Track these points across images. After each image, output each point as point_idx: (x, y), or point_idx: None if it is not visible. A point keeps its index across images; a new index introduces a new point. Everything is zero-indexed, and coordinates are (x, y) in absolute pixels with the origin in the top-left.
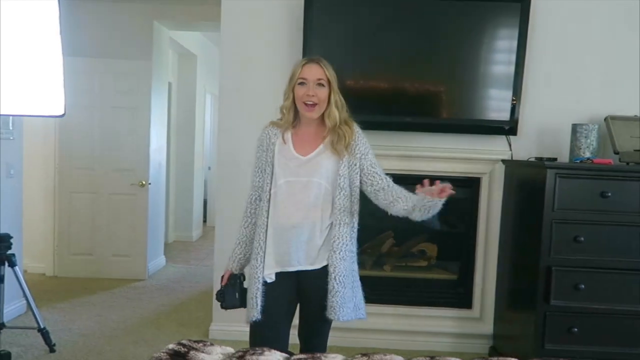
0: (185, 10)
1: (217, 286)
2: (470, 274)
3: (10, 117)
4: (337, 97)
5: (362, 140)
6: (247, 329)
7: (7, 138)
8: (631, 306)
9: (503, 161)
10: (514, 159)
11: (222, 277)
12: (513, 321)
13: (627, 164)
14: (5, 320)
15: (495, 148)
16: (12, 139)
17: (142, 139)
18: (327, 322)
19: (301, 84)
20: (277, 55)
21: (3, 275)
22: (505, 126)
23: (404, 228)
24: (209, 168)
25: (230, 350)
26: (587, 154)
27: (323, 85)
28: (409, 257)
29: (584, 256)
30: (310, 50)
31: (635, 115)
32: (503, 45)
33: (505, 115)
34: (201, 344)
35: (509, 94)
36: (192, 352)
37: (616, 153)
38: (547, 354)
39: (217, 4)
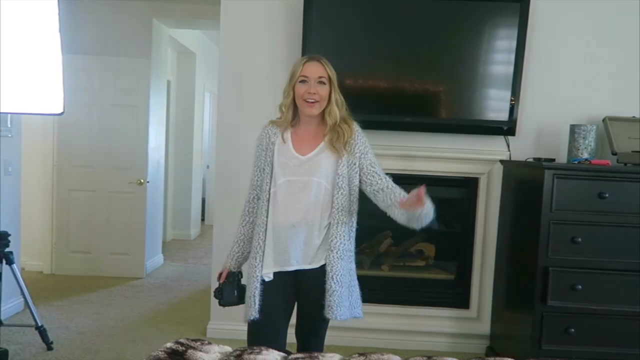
0: (185, 9)
1: (215, 284)
2: (468, 274)
3: (9, 115)
4: (337, 96)
5: (362, 140)
6: (245, 327)
7: (6, 135)
8: (628, 307)
9: (501, 161)
10: (512, 159)
11: (220, 274)
12: (510, 321)
13: (625, 165)
14: (2, 317)
15: (494, 148)
16: (10, 136)
17: (141, 137)
18: (324, 322)
19: (302, 81)
20: (277, 54)
21: (1, 273)
22: (504, 126)
23: (402, 228)
24: (208, 166)
25: (228, 349)
26: (585, 155)
27: (324, 83)
28: (407, 257)
29: (581, 257)
30: (310, 49)
31: (634, 117)
32: (502, 46)
33: (503, 116)
34: (199, 343)
35: (507, 94)
36: (190, 351)
37: (614, 154)
38: (544, 354)
39: (216, 2)
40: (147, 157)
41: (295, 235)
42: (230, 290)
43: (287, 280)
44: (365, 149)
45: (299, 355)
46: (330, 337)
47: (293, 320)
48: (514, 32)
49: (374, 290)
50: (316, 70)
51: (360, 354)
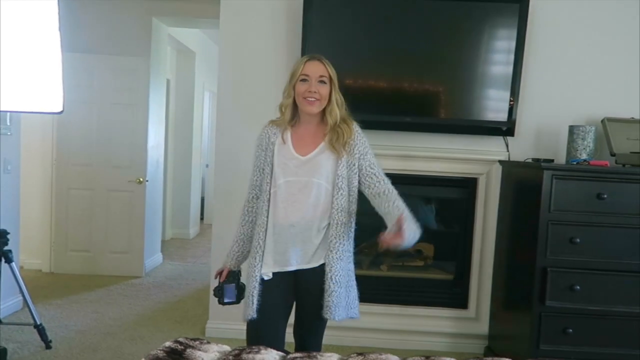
0: (184, 7)
1: (214, 283)
2: (467, 274)
3: (8, 113)
4: (338, 95)
5: (362, 140)
6: (244, 327)
7: (5, 134)
8: (626, 307)
9: (500, 162)
10: (511, 159)
11: (219, 273)
12: (508, 321)
13: (624, 165)
14: (1, 316)
15: (493, 149)
16: (9, 134)
17: (140, 135)
18: (322, 321)
19: (303, 80)
20: (276, 54)
21: None
22: (503, 127)
23: None
24: (207, 165)
25: (227, 348)
26: (584, 156)
27: (325, 82)
28: (405, 257)
29: (579, 257)
30: (310, 48)
31: (632, 118)
32: (501, 46)
33: (503, 116)
34: (198, 342)
35: (506, 95)
36: (188, 350)
37: (613, 155)
38: (542, 354)
39: (216, 1)
40: (147, 155)
41: (295, 235)
42: (230, 289)
43: (286, 279)
44: (365, 149)
45: (298, 354)
46: (328, 337)
47: (291, 319)
48: (513, 33)
49: (372, 290)
50: (317, 69)
51: (359, 354)
